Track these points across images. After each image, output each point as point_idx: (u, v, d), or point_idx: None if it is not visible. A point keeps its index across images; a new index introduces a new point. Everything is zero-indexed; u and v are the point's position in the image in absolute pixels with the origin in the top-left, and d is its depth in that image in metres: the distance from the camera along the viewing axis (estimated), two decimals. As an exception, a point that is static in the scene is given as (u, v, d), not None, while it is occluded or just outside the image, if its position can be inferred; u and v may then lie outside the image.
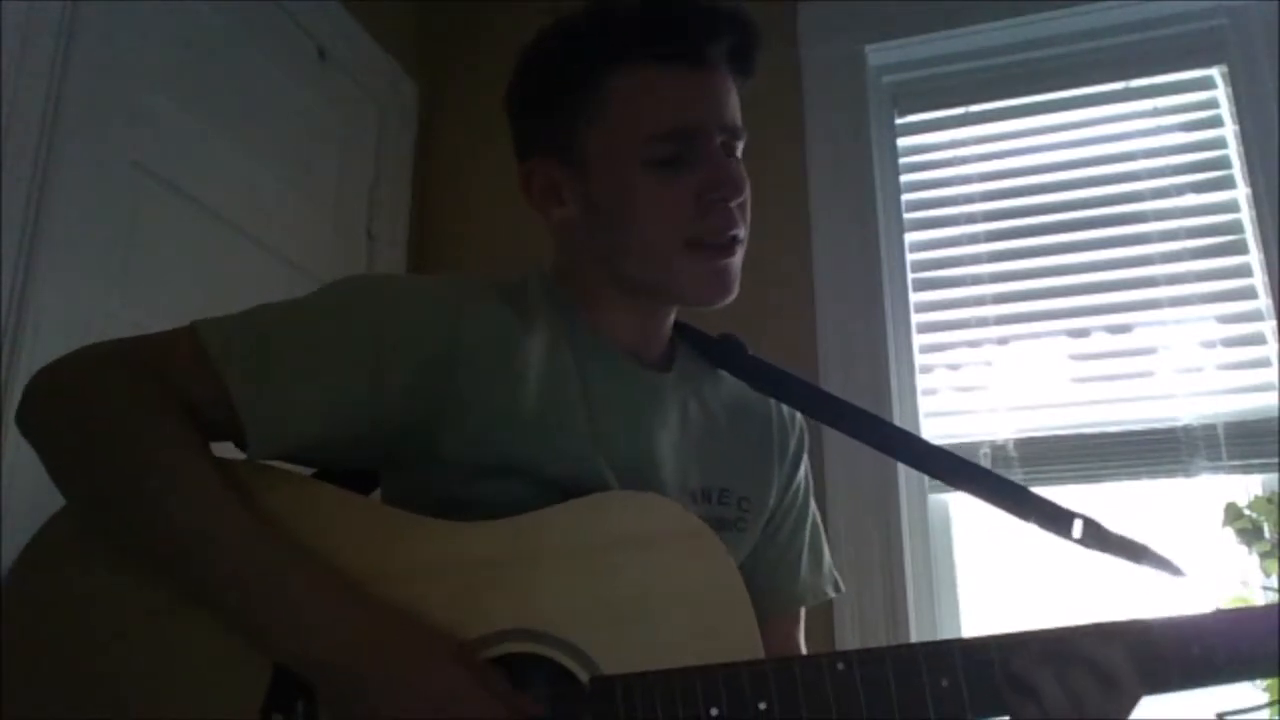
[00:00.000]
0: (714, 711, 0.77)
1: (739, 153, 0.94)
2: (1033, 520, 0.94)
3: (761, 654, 0.82)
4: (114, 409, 0.81)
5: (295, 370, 0.84)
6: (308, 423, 0.84)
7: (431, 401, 0.85)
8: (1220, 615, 0.82)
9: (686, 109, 0.89)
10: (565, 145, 0.93)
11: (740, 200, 0.91)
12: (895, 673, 0.77)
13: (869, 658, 0.78)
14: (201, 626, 0.79)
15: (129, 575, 0.82)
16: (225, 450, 0.85)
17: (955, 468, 0.99)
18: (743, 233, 0.93)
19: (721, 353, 1.05)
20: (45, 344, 1.28)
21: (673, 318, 1.02)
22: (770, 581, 1.04)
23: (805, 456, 1.10)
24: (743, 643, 0.82)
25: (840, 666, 0.77)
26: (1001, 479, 0.98)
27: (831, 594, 1.11)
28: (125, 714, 0.79)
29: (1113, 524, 0.94)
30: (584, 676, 0.79)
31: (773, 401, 1.07)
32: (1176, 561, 0.92)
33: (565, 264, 1.00)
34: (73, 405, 0.83)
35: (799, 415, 1.09)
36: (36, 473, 1.22)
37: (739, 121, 0.93)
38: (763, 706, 0.76)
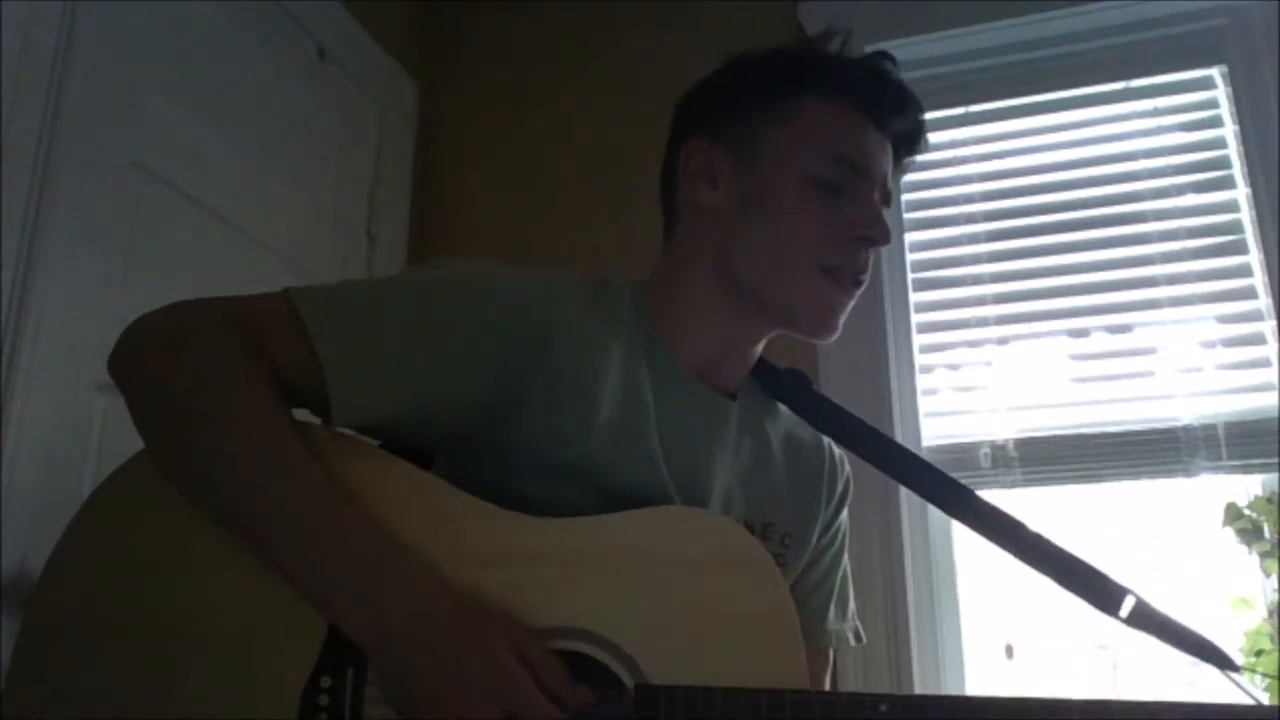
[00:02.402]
0: None
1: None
2: (1078, 592, 0.92)
3: (807, 686, 0.82)
4: (205, 361, 0.83)
5: (385, 343, 0.85)
6: (391, 395, 0.85)
7: (511, 394, 0.87)
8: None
9: (865, 149, 0.96)
10: (742, 138, 0.97)
11: (883, 245, 0.95)
12: None
13: (912, 703, 0.78)
14: (259, 586, 0.80)
15: (191, 528, 0.83)
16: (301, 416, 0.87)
17: (1013, 533, 0.96)
18: (867, 280, 0.96)
19: (785, 386, 1.06)
20: (45, 344, 1.28)
21: (759, 349, 1.03)
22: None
23: (848, 503, 1.11)
24: (790, 673, 0.82)
25: (883, 708, 0.77)
26: (1055, 547, 0.94)
27: (852, 643, 1.12)
28: (176, 663, 0.80)
29: (1161, 606, 0.91)
30: (629, 683, 0.80)
31: (826, 442, 1.09)
32: (1227, 653, 0.87)
33: (672, 263, 1.00)
34: (164, 355, 0.84)
35: (847, 463, 1.11)
36: (37, 471, 1.24)
37: (890, 190, 0.98)
38: None
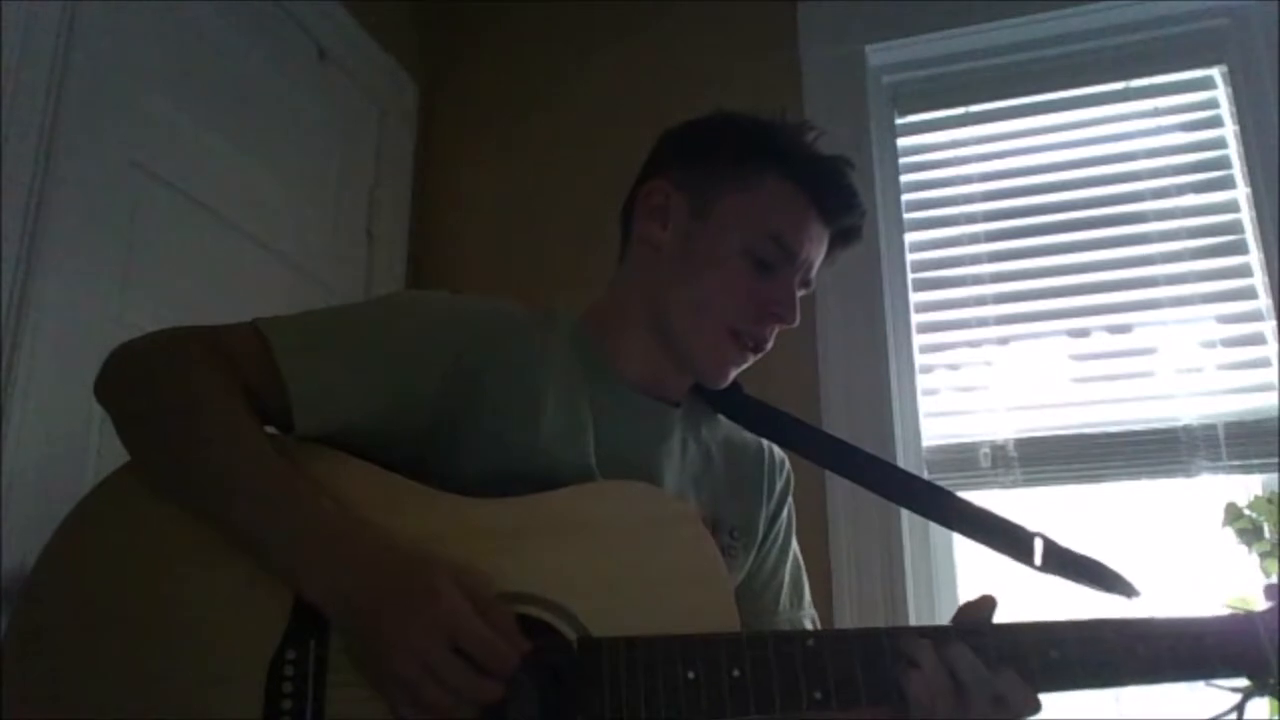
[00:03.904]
0: (690, 675, 0.82)
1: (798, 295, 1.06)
2: (994, 546, 1.01)
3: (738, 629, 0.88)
4: (184, 378, 0.91)
5: (342, 358, 0.94)
6: (348, 407, 0.93)
7: (456, 409, 0.94)
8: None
9: (801, 235, 1.04)
10: (701, 192, 1.05)
11: (789, 326, 1.03)
12: (860, 652, 0.83)
13: (838, 636, 0.85)
14: (230, 573, 0.87)
15: (167, 533, 0.89)
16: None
17: (933, 499, 1.06)
18: (768, 348, 1.05)
19: (721, 395, 1.11)
20: (45, 344, 1.28)
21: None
22: (753, 610, 1.09)
23: (790, 498, 1.17)
24: (721, 618, 0.87)
25: (810, 643, 0.84)
26: (968, 505, 1.03)
27: (809, 629, 1.16)
28: (156, 657, 0.85)
29: (1067, 543, 0.98)
30: (571, 636, 0.85)
31: (764, 443, 1.16)
32: (1132, 582, 0.95)
33: (617, 288, 1.09)
34: (148, 371, 0.94)
35: (787, 461, 1.18)
36: (37, 471, 1.24)
37: (814, 276, 1.07)
38: (736, 674, 0.82)
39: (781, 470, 1.17)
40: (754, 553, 1.10)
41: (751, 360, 1.05)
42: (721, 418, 1.14)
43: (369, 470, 0.92)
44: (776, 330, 1.04)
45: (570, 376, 1.00)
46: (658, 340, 1.04)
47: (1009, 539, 0.99)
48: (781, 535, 1.15)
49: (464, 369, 0.94)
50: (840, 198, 1.06)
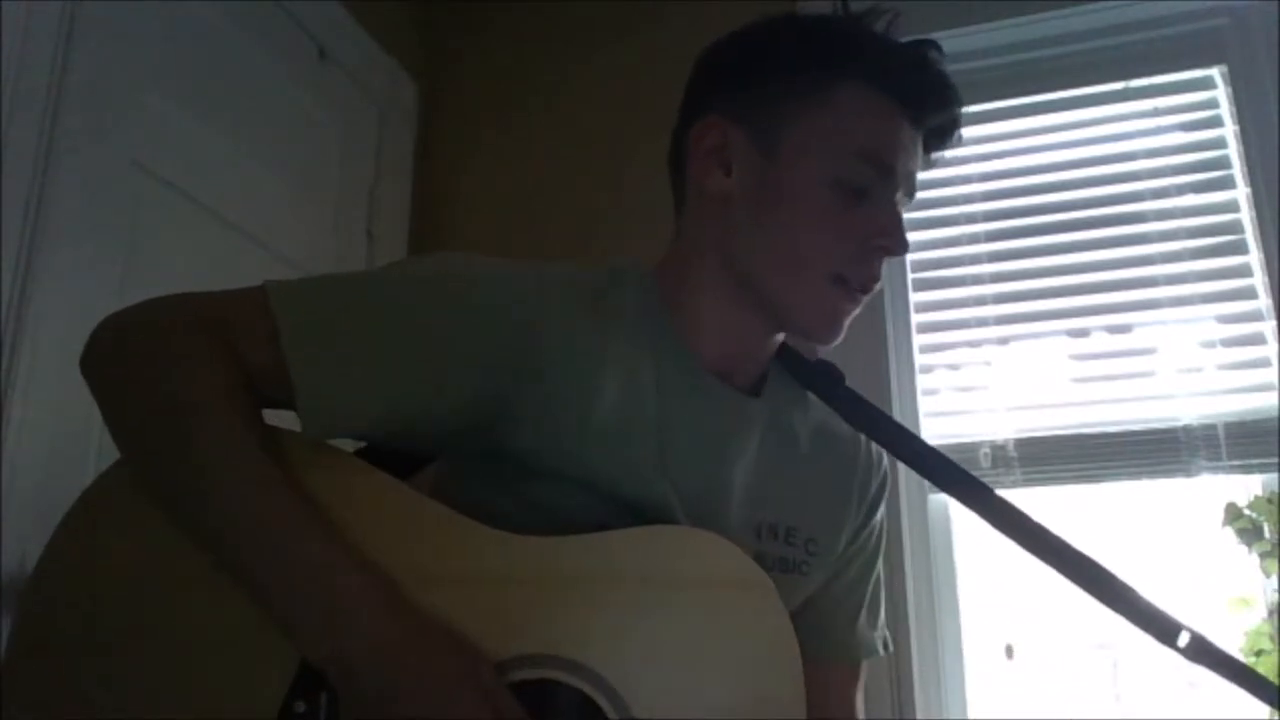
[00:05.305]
0: None
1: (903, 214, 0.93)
2: (1136, 623, 0.86)
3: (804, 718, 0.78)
4: (173, 365, 0.80)
5: (360, 358, 0.81)
6: (366, 412, 0.81)
7: (500, 406, 0.83)
8: None
9: (895, 147, 0.89)
10: (766, 123, 0.89)
11: (899, 256, 0.90)
12: None
13: None
14: (235, 601, 0.77)
15: (169, 537, 0.80)
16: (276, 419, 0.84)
17: (1072, 559, 0.88)
18: (877, 288, 0.91)
19: (817, 379, 1.00)
20: (45, 344, 1.28)
21: (777, 341, 0.97)
22: (823, 627, 0.98)
23: (883, 504, 1.04)
24: (787, 710, 0.77)
25: None
26: (1115, 578, 0.87)
27: (881, 652, 1.05)
28: (149, 678, 0.78)
29: (1217, 641, 0.85)
30: (614, 717, 0.76)
31: (861, 437, 1.02)
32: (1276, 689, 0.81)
33: (681, 251, 0.94)
34: (134, 356, 0.81)
35: (884, 456, 1.03)
36: (37, 471, 1.24)
37: (916, 185, 0.92)
38: None
39: (878, 470, 1.02)
40: (832, 565, 0.97)
41: (862, 304, 0.90)
42: (814, 400, 0.99)
43: (391, 491, 0.82)
44: (883, 264, 0.90)
45: (636, 361, 0.86)
46: (744, 305, 0.90)
47: (1154, 623, 0.85)
48: (871, 546, 1.02)
49: (505, 361, 0.82)
50: (928, 91, 0.91)
